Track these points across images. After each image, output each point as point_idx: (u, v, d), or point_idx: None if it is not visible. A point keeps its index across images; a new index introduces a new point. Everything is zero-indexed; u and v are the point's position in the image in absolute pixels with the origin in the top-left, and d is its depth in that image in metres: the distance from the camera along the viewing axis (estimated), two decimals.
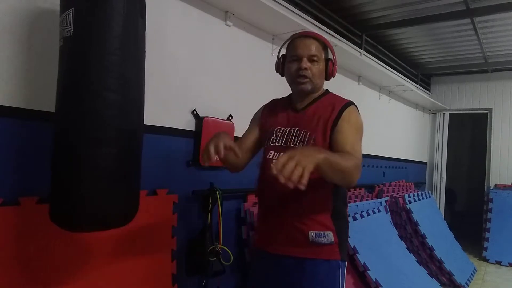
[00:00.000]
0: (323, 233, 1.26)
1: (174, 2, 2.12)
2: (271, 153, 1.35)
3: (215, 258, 2.14)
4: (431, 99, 5.55)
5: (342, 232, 1.31)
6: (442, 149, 6.07)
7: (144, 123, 1.43)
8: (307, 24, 2.76)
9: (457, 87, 5.95)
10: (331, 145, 1.26)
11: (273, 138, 1.37)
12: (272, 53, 2.81)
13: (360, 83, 4.16)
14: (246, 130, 1.52)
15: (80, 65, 1.24)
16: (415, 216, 3.86)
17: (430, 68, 5.63)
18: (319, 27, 3.12)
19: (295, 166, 0.92)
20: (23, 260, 1.45)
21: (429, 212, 4.41)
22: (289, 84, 1.40)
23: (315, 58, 1.31)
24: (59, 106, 1.29)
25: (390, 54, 4.72)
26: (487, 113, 5.67)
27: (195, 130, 2.23)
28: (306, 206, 1.27)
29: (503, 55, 4.86)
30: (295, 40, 1.36)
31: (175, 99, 2.14)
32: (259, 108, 1.55)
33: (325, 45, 1.36)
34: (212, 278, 2.18)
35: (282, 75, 1.43)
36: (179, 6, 2.15)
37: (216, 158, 1.14)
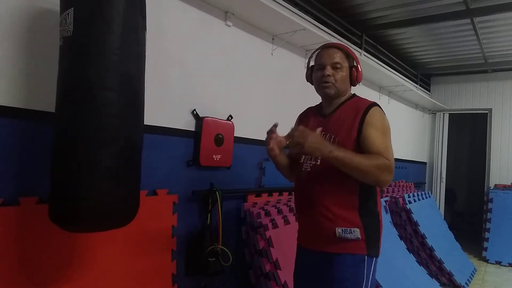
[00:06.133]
0: (350, 230, 1.35)
1: (174, 1, 2.12)
2: (302, 156, 1.49)
3: (214, 258, 2.14)
4: (431, 99, 5.55)
5: (370, 230, 1.39)
6: (442, 149, 6.07)
7: (144, 123, 1.43)
8: (307, 24, 2.76)
9: (457, 87, 5.95)
10: (360, 151, 1.35)
11: None
12: (272, 53, 2.81)
13: (360, 83, 4.15)
14: None
15: (80, 64, 1.24)
16: (415, 216, 3.86)
17: (430, 68, 5.63)
18: (319, 27, 3.12)
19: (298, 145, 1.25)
20: (23, 260, 1.45)
21: (429, 212, 4.41)
22: (316, 91, 1.52)
23: (338, 66, 1.45)
24: (59, 106, 1.29)
25: (390, 54, 4.72)
26: (487, 113, 5.68)
27: (195, 130, 2.23)
28: (332, 204, 1.38)
29: (503, 55, 4.86)
30: (320, 51, 1.50)
31: (175, 99, 2.14)
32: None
33: (348, 54, 1.49)
34: (211, 278, 2.18)
35: (312, 84, 1.55)
36: (179, 6, 2.15)
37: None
